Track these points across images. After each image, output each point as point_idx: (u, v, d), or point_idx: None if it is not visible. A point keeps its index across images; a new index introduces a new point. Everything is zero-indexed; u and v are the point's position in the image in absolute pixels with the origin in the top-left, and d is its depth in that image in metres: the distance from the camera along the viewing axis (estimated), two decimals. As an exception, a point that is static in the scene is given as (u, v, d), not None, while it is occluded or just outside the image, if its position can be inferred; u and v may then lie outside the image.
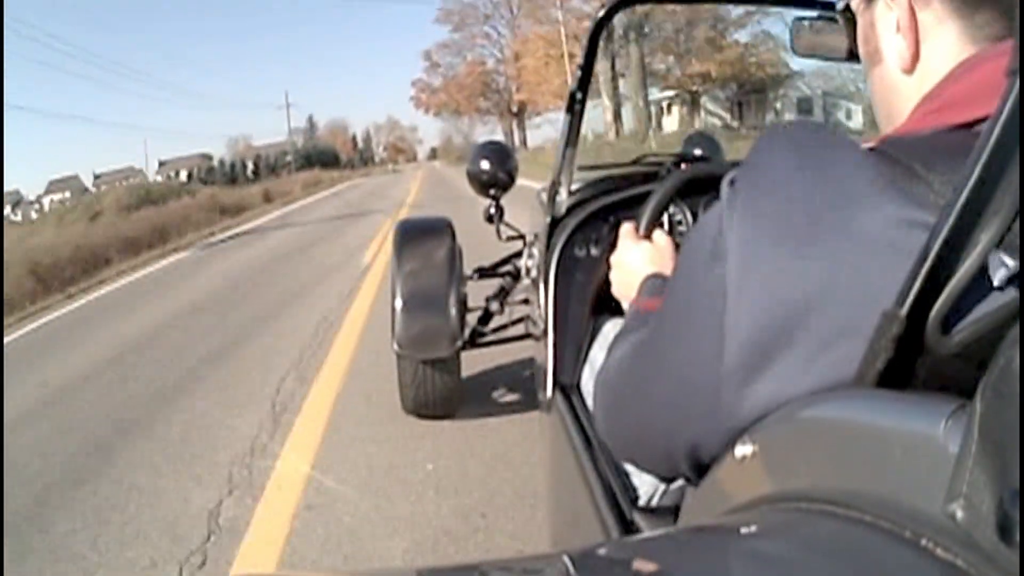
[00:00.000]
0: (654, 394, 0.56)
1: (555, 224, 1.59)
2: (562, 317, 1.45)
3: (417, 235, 2.75)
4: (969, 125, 0.47)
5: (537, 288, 1.67)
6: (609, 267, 0.98)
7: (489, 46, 45.31)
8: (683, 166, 1.64)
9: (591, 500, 1.04)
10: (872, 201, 0.43)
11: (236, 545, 2.10)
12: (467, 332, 2.63)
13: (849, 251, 0.43)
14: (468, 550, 1.97)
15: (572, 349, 1.42)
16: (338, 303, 5.43)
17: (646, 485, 1.03)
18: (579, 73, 1.58)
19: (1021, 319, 0.30)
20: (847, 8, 0.63)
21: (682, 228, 1.37)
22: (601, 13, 1.54)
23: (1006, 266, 0.37)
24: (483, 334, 2.73)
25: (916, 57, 0.54)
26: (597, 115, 26.04)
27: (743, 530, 0.42)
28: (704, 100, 29.17)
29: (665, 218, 1.35)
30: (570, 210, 1.60)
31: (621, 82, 25.90)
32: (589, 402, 1.28)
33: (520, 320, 2.71)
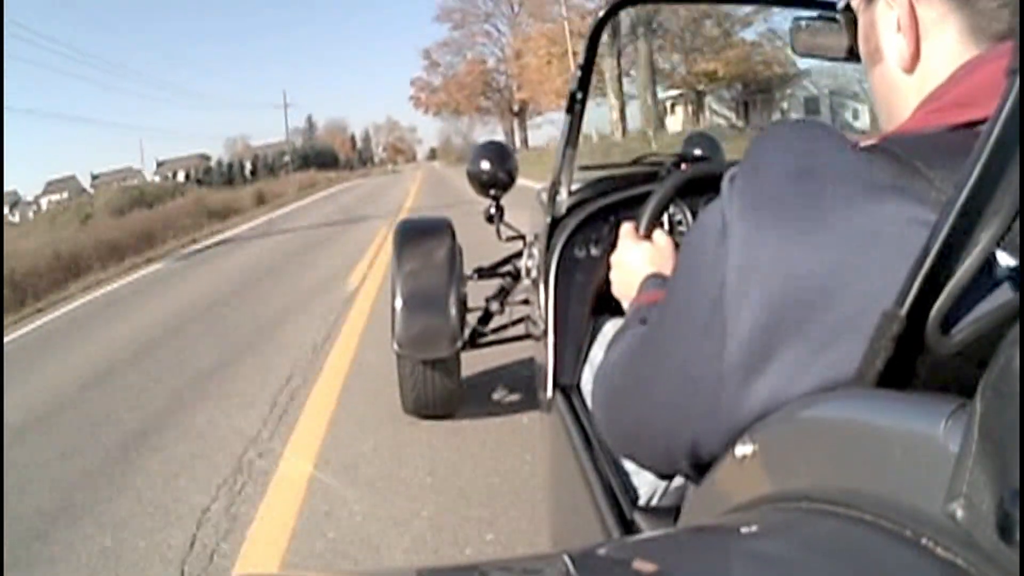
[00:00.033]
0: (654, 391, 0.56)
1: (555, 224, 1.59)
2: (562, 317, 1.45)
3: (417, 235, 2.75)
4: (970, 125, 0.47)
5: (537, 288, 1.67)
6: (609, 267, 0.99)
7: (490, 44, 44.99)
8: (683, 166, 1.64)
9: (591, 500, 1.04)
10: (873, 198, 0.43)
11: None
12: (467, 332, 2.63)
13: (850, 248, 0.43)
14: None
15: (572, 349, 1.42)
16: (308, 361, 3.87)
17: (646, 485, 1.03)
18: (579, 73, 1.58)
19: (1021, 319, 0.30)
20: (848, 7, 0.63)
21: (682, 228, 1.37)
22: (601, 13, 1.54)
23: (1006, 265, 0.38)
24: (483, 334, 2.73)
25: (916, 56, 0.54)
26: (601, 115, 25.56)
27: (743, 530, 0.42)
28: (709, 100, 28.68)
29: (665, 218, 1.36)
30: (570, 210, 1.60)
31: (626, 80, 25.47)
32: (589, 402, 1.28)
33: (520, 320, 2.71)
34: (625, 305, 0.91)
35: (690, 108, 28.81)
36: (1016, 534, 0.26)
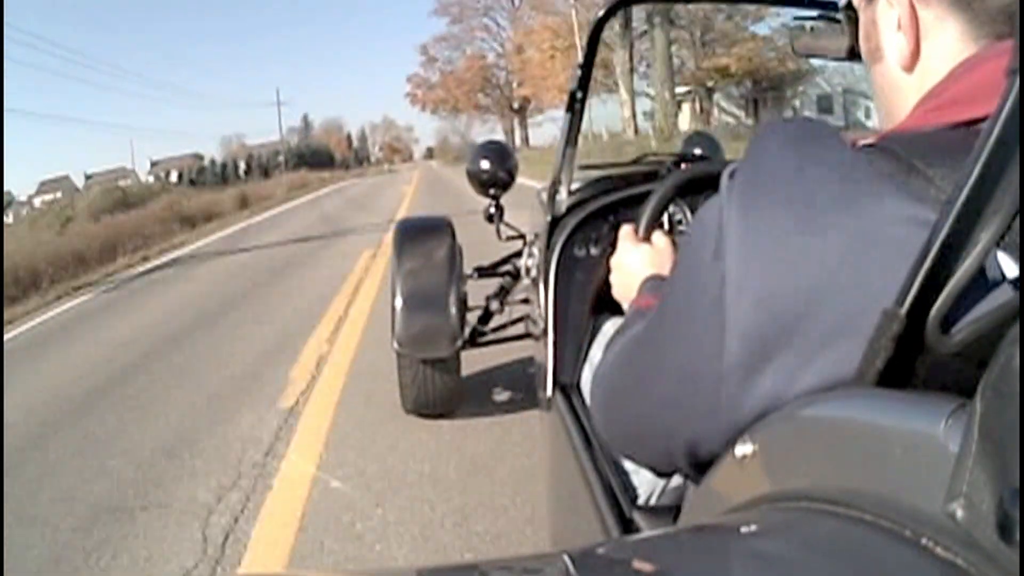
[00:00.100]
0: (653, 390, 0.56)
1: (555, 223, 1.59)
2: (562, 316, 1.45)
3: (417, 234, 2.75)
4: (970, 123, 0.47)
5: (537, 287, 1.67)
6: (609, 268, 0.99)
7: (489, 39, 43.98)
8: (683, 166, 1.64)
9: (591, 499, 1.04)
10: (873, 196, 0.43)
11: None
12: (467, 331, 2.63)
13: (849, 247, 0.43)
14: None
15: (572, 348, 1.42)
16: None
17: (645, 484, 1.04)
18: (579, 72, 1.58)
19: (1021, 318, 0.30)
20: (849, 5, 0.63)
21: (682, 227, 1.37)
22: (601, 12, 1.54)
23: (1006, 266, 0.38)
24: (483, 333, 2.73)
25: (916, 55, 0.54)
26: (611, 112, 24.70)
27: (743, 529, 0.42)
28: (717, 97, 27.76)
29: (665, 218, 1.36)
30: (570, 209, 1.60)
31: (635, 76, 24.45)
32: (589, 401, 1.28)
33: (520, 319, 2.71)
34: (625, 307, 0.91)
35: (698, 106, 27.73)
36: (1016, 534, 0.26)
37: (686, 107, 28.00)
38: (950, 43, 0.52)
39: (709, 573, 0.39)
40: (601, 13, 1.54)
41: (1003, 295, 0.37)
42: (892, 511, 0.33)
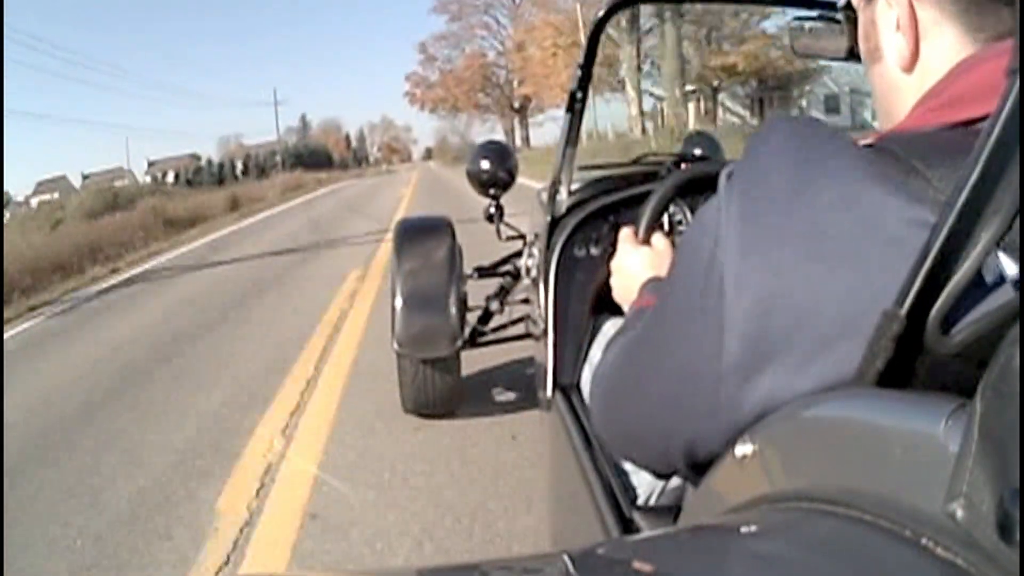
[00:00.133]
0: (652, 390, 0.56)
1: (555, 224, 1.59)
2: (562, 316, 1.45)
3: (417, 234, 2.75)
4: (969, 123, 0.47)
5: (537, 288, 1.67)
6: (609, 270, 0.99)
7: (489, 37, 43.32)
8: (683, 166, 1.64)
9: (591, 499, 1.04)
10: (871, 197, 0.43)
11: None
12: (467, 331, 2.63)
13: (849, 247, 0.43)
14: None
15: (572, 349, 1.42)
16: None
17: (645, 484, 1.04)
18: (579, 72, 1.58)
19: (1021, 319, 0.30)
20: (848, 5, 0.63)
21: (682, 228, 1.37)
22: (601, 13, 1.54)
23: (1006, 266, 0.38)
24: (483, 333, 2.74)
25: (915, 56, 0.54)
26: (616, 111, 24.01)
27: (743, 529, 0.42)
28: (722, 97, 27.11)
29: (665, 218, 1.36)
30: (570, 210, 1.60)
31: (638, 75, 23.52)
32: (588, 401, 1.28)
33: (520, 320, 2.71)
34: (626, 309, 0.91)
35: (703, 105, 26.90)
36: (1016, 534, 0.26)
37: (690, 106, 27.01)
38: (949, 44, 0.52)
39: (709, 573, 0.39)
40: (601, 13, 1.54)
41: (1003, 296, 0.37)
42: (892, 511, 0.33)
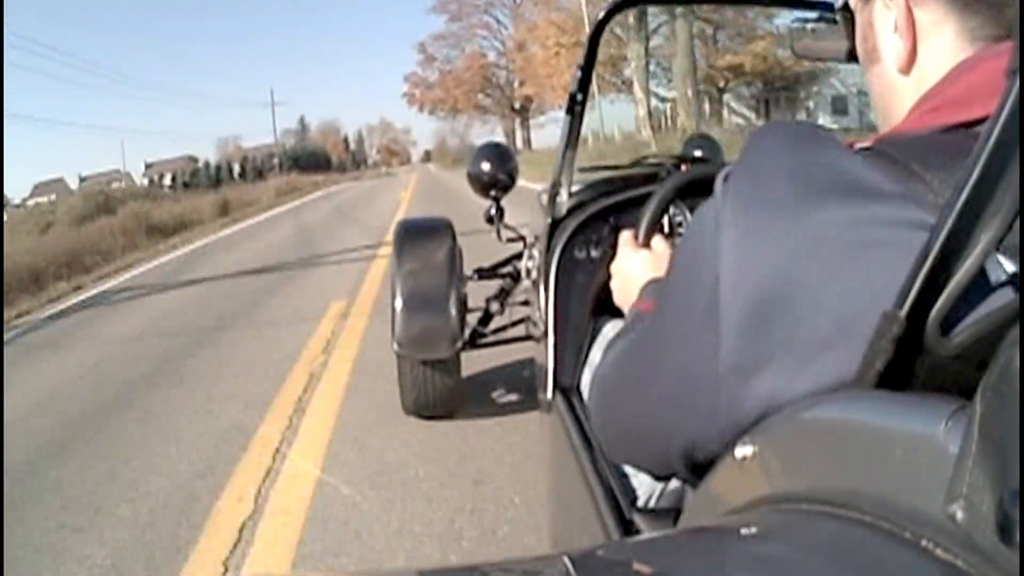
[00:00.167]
0: (651, 392, 0.56)
1: (555, 225, 1.59)
2: (562, 318, 1.45)
3: (417, 235, 2.76)
4: (967, 125, 0.47)
5: (537, 289, 1.67)
6: (610, 273, 0.99)
7: (490, 37, 42.57)
8: (683, 167, 1.64)
9: (591, 501, 1.04)
10: (870, 199, 0.43)
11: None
12: (467, 333, 2.63)
13: (847, 250, 0.43)
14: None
15: (572, 350, 1.42)
16: None
17: (645, 486, 1.04)
18: (579, 74, 1.58)
19: (1021, 319, 0.30)
20: (846, 7, 0.63)
21: (683, 230, 1.37)
22: (601, 14, 1.54)
23: (1006, 267, 0.38)
24: (483, 335, 2.74)
25: (913, 57, 0.54)
26: (622, 111, 23.44)
27: (743, 531, 0.42)
28: (727, 98, 26.50)
29: (665, 220, 1.36)
30: (570, 211, 1.60)
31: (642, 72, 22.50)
32: (588, 403, 1.28)
33: (520, 321, 2.71)
34: (626, 312, 0.91)
35: (708, 107, 25.91)
36: (1016, 535, 0.26)
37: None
38: (947, 45, 0.52)
39: (709, 575, 0.39)
40: (602, 15, 1.54)
41: (1003, 297, 0.37)
42: (892, 512, 0.33)
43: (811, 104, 25.61)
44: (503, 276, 2.78)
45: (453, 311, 2.52)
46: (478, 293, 2.80)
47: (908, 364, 0.39)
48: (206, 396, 3.47)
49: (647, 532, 0.93)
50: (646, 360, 0.57)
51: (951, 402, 0.33)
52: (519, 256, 2.54)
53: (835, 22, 0.68)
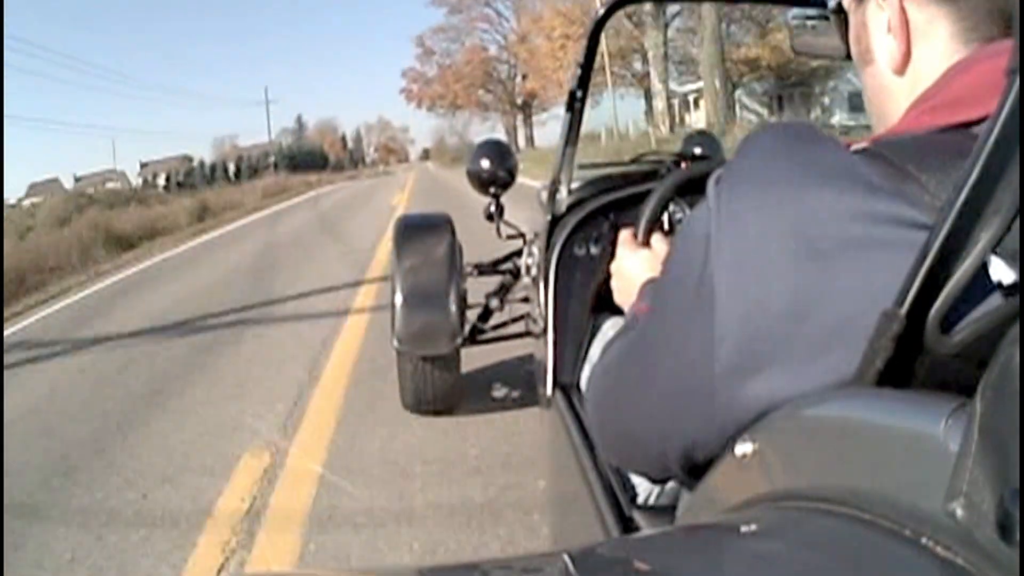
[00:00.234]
0: (647, 395, 0.56)
1: (555, 222, 1.59)
2: (562, 315, 1.45)
3: (417, 231, 2.75)
4: (962, 126, 0.47)
5: (537, 286, 1.67)
6: (610, 272, 0.99)
7: (491, 30, 41.20)
8: (683, 165, 1.64)
9: (590, 498, 1.04)
10: (867, 199, 0.43)
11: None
12: (467, 329, 2.63)
13: (842, 252, 0.43)
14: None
15: (572, 347, 1.42)
16: None
17: (645, 483, 1.04)
18: (579, 71, 1.58)
19: (1021, 318, 0.30)
20: (839, 8, 0.63)
21: None
22: (600, 12, 1.54)
23: (1005, 267, 0.38)
24: (483, 331, 2.74)
25: (907, 58, 0.54)
26: (627, 107, 22.91)
27: (743, 528, 0.42)
28: (739, 94, 24.97)
29: (665, 218, 1.36)
30: (570, 208, 1.60)
31: (644, 67, 21.55)
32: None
33: (520, 318, 2.71)
34: (626, 311, 0.91)
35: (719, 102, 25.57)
36: (1016, 533, 0.26)
37: (704, 104, 24.68)
38: (940, 46, 0.52)
39: (708, 572, 0.39)
40: (601, 11, 1.54)
41: (1002, 296, 0.37)
42: (892, 510, 0.33)
43: (827, 100, 24.78)
44: (503, 272, 2.78)
45: (453, 307, 2.52)
46: (479, 289, 2.80)
47: (908, 362, 0.39)
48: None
49: (647, 529, 0.93)
50: (642, 362, 0.57)
51: (951, 400, 0.33)
52: (519, 253, 2.54)
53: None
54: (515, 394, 2.94)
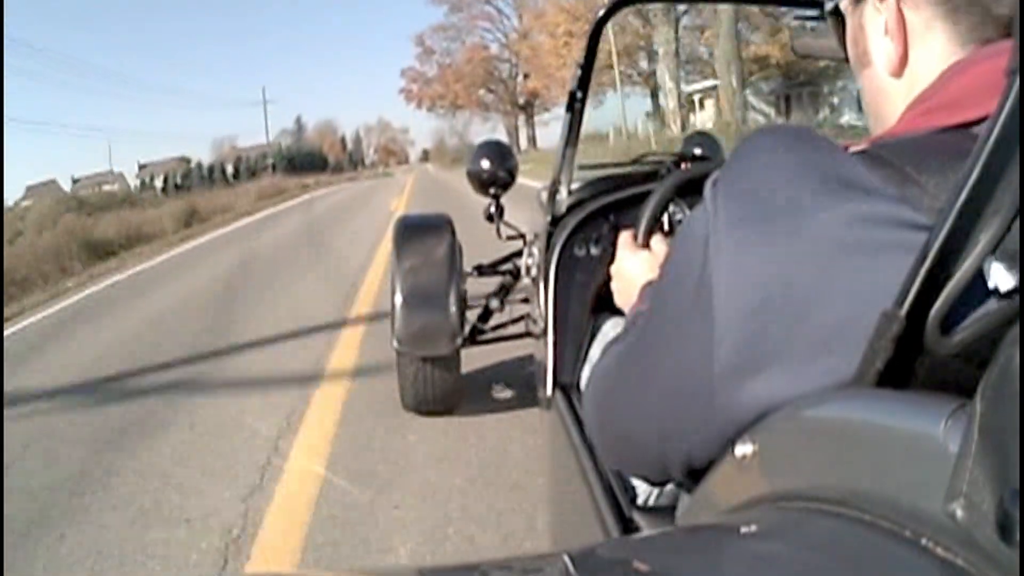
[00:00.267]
0: (647, 397, 0.56)
1: (555, 223, 1.59)
2: (562, 316, 1.45)
3: (417, 232, 2.76)
4: (960, 127, 0.47)
5: (537, 287, 1.67)
6: (610, 274, 0.99)
7: (492, 28, 40.73)
8: (683, 165, 1.64)
9: (590, 498, 1.04)
10: (866, 199, 0.43)
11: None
12: (467, 329, 2.63)
13: (840, 253, 0.42)
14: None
15: (572, 348, 1.42)
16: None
17: (644, 484, 1.04)
18: (579, 72, 1.58)
19: (1021, 319, 0.30)
20: (836, 10, 0.63)
21: None
22: (601, 12, 1.54)
23: (1005, 267, 0.38)
24: (483, 332, 2.74)
25: (904, 60, 0.54)
26: (635, 105, 22.38)
27: (743, 529, 0.42)
28: (747, 93, 23.63)
29: (665, 218, 1.36)
30: (570, 209, 1.60)
31: (647, 63, 21.12)
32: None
33: (520, 318, 2.71)
34: (627, 313, 0.91)
35: (724, 101, 23.55)
36: (1016, 534, 0.26)
37: (709, 103, 24.42)
38: (938, 48, 0.52)
39: (708, 573, 0.39)
40: (601, 12, 1.54)
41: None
42: (892, 511, 0.33)
43: (835, 100, 24.56)
44: (503, 273, 2.78)
45: (453, 308, 2.52)
46: (479, 290, 2.80)
47: (908, 363, 0.39)
48: None
49: (647, 530, 0.93)
50: (641, 363, 0.57)
51: (951, 401, 0.33)
52: (519, 253, 2.54)
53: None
54: (515, 395, 2.94)
